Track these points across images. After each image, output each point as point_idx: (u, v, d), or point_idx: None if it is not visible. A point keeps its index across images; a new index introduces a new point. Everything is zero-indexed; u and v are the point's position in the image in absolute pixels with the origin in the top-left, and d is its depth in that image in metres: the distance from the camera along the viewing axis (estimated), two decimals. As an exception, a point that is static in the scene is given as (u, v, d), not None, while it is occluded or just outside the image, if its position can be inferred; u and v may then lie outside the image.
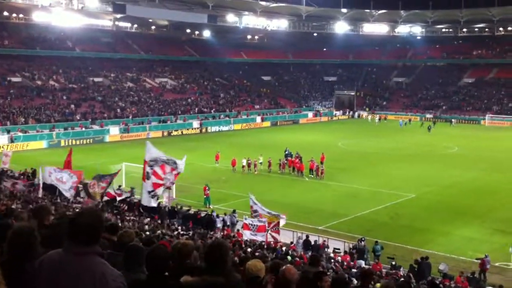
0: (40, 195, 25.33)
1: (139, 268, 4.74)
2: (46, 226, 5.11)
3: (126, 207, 27.25)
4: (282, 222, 23.84)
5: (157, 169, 23.99)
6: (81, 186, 26.38)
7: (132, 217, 23.95)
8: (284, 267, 5.55)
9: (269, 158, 42.91)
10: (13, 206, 15.28)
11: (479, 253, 22.63)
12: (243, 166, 42.50)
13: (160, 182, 24.07)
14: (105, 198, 27.20)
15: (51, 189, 29.62)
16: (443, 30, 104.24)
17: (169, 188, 25.61)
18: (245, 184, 37.48)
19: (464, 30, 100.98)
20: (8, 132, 55.99)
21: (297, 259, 18.10)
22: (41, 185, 26.12)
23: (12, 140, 54.70)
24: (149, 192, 23.62)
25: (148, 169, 24.02)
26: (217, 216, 27.14)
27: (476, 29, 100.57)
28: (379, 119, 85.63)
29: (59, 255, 3.51)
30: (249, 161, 42.73)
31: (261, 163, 43.05)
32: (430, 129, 71.57)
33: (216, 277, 4.26)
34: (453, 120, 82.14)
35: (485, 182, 39.01)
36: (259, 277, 5.03)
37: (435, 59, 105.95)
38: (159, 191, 24.54)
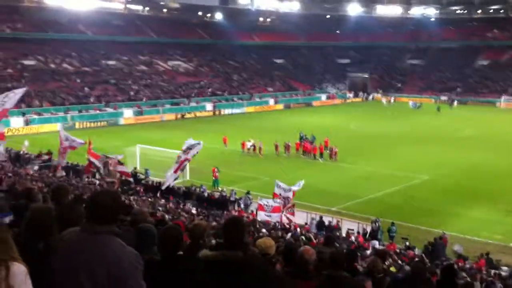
0: (58, 175, 25.65)
1: (151, 249, 4.80)
2: (64, 206, 5.17)
3: (142, 189, 27.44)
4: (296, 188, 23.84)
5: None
6: (100, 165, 26.55)
7: (149, 199, 24.17)
8: (301, 248, 5.61)
9: (275, 141, 42.89)
10: (30, 188, 15.44)
11: (494, 234, 22.62)
12: (248, 149, 42.60)
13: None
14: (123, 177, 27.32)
15: (66, 170, 29.98)
16: (458, 11, 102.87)
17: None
18: (258, 167, 37.63)
19: (479, 11, 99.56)
20: (24, 114, 56.43)
21: (314, 239, 18.17)
22: (61, 166, 26.38)
23: (27, 123, 55.19)
24: (174, 179, 24.06)
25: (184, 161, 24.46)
26: (235, 195, 27.64)
27: (491, 11, 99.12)
28: (389, 101, 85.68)
29: (76, 234, 3.56)
30: (254, 144, 42.80)
31: (251, 146, 43.00)
32: (439, 110, 71.93)
33: (234, 252, 4.33)
34: (455, 101, 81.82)
35: (499, 164, 38.63)
36: (269, 254, 5.08)
37: (449, 41, 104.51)
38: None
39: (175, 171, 24.72)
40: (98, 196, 3.60)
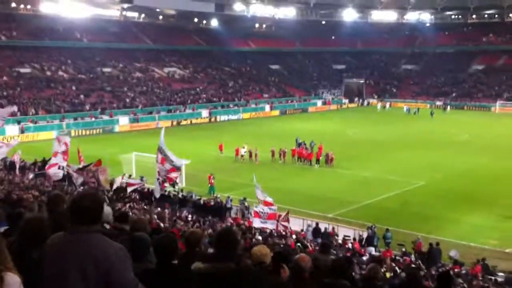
0: (53, 180, 25.57)
1: (145, 257, 4.79)
2: (59, 214, 5.18)
3: (137, 196, 27.33)
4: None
5: (159, 159, 23.63)
6: (91, 173, 26.46)
7: (144, 206, 24.08)
8: (297, 255, 5.60)
9: (272, 147, 42.86)
10: (25, 197, 15.41)
11: (490, 239, 22.61)
12: (241, 155, 42.56)
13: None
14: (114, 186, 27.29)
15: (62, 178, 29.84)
16: (453, 16, 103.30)
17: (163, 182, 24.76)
18: (254, 173, 37.47)
19: (474, 16, 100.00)
20: (19, 122, 56.28)
21: (310, 246, 18.16)
22: (60, 173, 26.29)
23: (22, 131, 55.04)
24: (157, 179, 23.54)
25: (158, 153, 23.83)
26: (231, 202, 27.47)
27: (486, 16, 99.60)
28: (384, 107, 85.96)
29: (61, 237, 3.61)
30: (250, 150, 42.68)
31: (244, 153, 42.84)
32: (432, 115, 72.74)
33: (226, 263, 4.32)
34: (448, 106, 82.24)
35: (495, 169, 38.74)
36: (265, 262, 5.09)
37: (444, 46, 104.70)
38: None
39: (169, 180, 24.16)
40: (82, 199, 3.64)
